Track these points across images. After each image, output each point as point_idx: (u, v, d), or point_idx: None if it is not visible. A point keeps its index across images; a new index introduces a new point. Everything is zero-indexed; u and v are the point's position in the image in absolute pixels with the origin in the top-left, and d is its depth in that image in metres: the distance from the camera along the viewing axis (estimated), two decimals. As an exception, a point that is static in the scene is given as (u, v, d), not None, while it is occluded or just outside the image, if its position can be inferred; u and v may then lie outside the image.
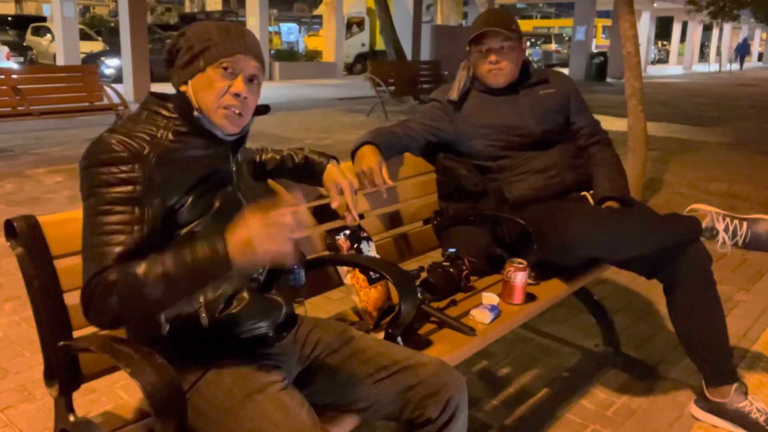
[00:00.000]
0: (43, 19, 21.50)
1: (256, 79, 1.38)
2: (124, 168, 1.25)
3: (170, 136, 1.32)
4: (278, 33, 25.68)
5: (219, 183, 1.38)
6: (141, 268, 1.17)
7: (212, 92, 1.33)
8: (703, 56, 39.56)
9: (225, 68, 1.33)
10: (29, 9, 31.21)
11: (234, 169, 1.43)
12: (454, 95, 2.27)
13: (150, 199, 1.26)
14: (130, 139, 1.27)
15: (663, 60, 39.56)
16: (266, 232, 1.13)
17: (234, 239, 1.15)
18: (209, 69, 1.33)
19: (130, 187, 1.24)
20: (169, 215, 1.30)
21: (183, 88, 1.37)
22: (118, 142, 1.26)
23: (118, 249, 1.21)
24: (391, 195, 2.17)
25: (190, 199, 1.31)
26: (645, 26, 29.65)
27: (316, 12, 28.53)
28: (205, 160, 1.36)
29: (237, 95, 1.34)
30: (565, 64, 25.33)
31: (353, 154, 2.03)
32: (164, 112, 1.35)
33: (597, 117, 2.45)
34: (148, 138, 1.29)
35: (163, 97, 1.37)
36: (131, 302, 1.18)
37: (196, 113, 1.35)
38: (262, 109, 1.48)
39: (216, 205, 1.35)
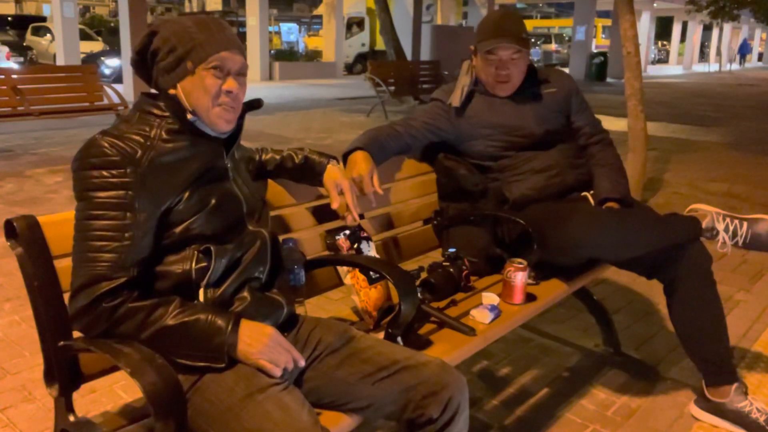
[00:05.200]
0: (43, 19, 21.52)
1: (242, 73, 1.39)
2: (115, 172, 1.25)
3: (163, 134, 1.33)
4: (278, 33, 25.66)
5: (213, 179, 1.38)
6: (142, 316, 1.24)
7: (206, 93, 1.34)
8: (703, 56, 39.54)
9: (214, 67, 1.33)
10: (29, 9, 31.22)
11: (229, 165, 1.43)
12: (456, 102, 2.24)
13: (142, 203, 1.26)
14: (122, 142, 1.27)
15: (663, 60, 39.54)
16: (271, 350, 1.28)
17: (242, 345, 1.26)
18: (198, 70, 1.33)
19: (121, 192, 1.25)
20: (163, 215, 1.30)
21: (172, 91, 1.37)
22: (110, 145, 1.26)
23: (107, 256, 1.23)
24: (390, 195, 2.17)
25: (184, 197, 1.31)
26: (645, 26, 29.64)
27: (316, 12, 28.54)
28: (199, 159, 1.36)
29: (229, 92, 1.35)
30: (565, 64, 25.34)
31: (345, 157, 1.99)
32: (156, 111, 1.35)
33: (597, 117, 2.44)
34: (141, 139, 1.30)
35: (154, 97, 1.38)
36: (120, 334, 1.26)
37: (190, 116, 1.36)
38: (256, 104, 1.48)
39: (212, 202, 1.35)
